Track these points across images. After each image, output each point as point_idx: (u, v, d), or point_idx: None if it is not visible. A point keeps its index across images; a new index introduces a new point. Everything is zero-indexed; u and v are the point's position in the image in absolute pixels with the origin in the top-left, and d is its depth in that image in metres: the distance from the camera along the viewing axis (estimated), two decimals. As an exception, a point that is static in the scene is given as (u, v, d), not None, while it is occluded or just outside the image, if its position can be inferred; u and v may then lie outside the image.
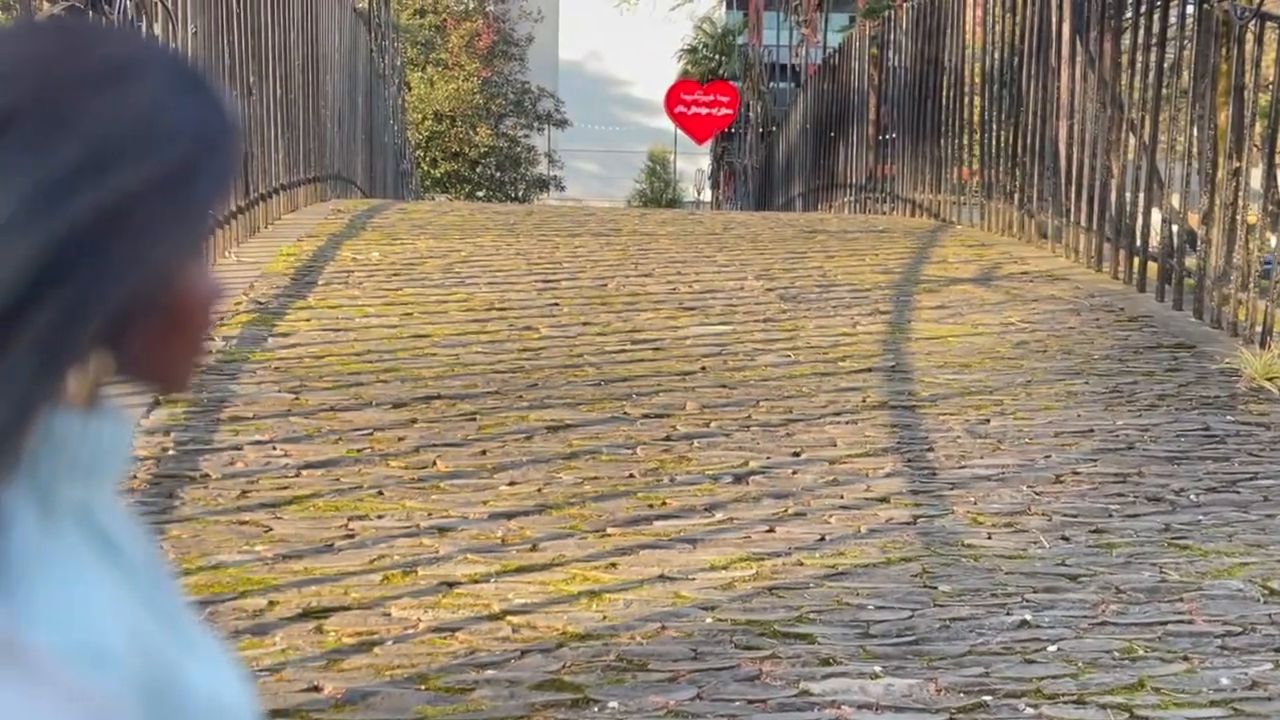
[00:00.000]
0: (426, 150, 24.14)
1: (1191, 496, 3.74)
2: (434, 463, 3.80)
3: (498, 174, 26.09)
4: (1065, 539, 3.41)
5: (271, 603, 2.90)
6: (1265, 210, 5.48)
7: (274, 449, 3.85)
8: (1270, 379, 4.78)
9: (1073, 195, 7.15)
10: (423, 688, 2.56)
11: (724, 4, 27.71)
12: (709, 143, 25.10)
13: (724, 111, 22.73)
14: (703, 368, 4.85)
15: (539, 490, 3.63)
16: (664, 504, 3.58)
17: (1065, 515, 3.58)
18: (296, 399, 4.31)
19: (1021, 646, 2.80)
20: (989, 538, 3.41)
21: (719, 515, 3.51)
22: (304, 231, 7.01)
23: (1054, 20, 7.45)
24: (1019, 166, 7.97)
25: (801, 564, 3.23)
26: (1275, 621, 2.95)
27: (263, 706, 2.49)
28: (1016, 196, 7.94)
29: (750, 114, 22.25)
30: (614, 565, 3.18)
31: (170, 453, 3.77)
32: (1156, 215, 6.61)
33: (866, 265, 6.78)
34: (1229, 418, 4.45)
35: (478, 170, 25.50)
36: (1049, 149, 7.53)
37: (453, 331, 5.18)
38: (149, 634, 0.67)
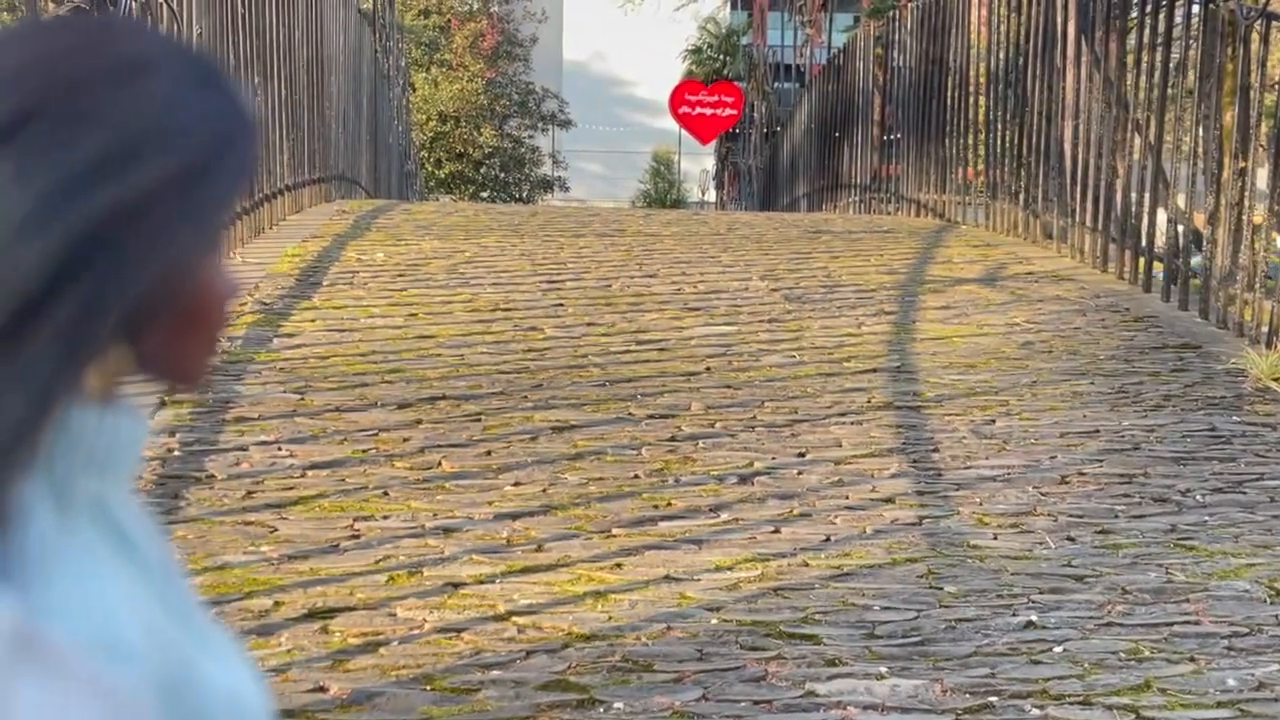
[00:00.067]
0: (431, 151, 24.16)
1: (1198, 497, 3.73)
2: (439, 463, 3.81)
3: (502, 175, 26.11)
4: (1071, 540, 3.41)
5: (277, 603, 2.90)
6: (1271, 210, 5.47)
7: (279, 449, 3.85)
8: (1276, 379, 4.77)
9: (1078, 195, 7.15)
10: (428, 688, 2.56)
11: (728, 4, 27.71)
12: (713, 143, 25.11)
13: (728, 112, 22.73)
14: (708, 368, 4.85)
15: (544, 491, 3.63)
16: (669, 505, 3.58)
17: (1071, 516, 3.57)
18: (302, 399, 4.32)
19: (1027, 647, 2.79)
20: (994, 538, 3.41)
21: (724, 516, 3.50)
22: (309, 232, 7.01)
23: (1059, 20, 7.44)
24: (1024, 167, 7.96)
25: (807, 565, 3.22)
26: (1282, 622, 2.95)
27: (273, 708, 2.50)
28: (1022, 197, 7.93)
29: (754, 114, 22.25)
30: (619, 566, 3.17)
31: (176, 453, 3.77)
32: (1162, 215, 6.60)
33: (871, 266, 6.77)
34: (1235, 418, 4.44)
35: (482, 171, 25.51)
36: (1054, 149, 7.52)
37: (458, 332, 5.18)
38: (165, 629, 0.67)
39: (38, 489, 0.65)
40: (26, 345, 0.62)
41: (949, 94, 9.26)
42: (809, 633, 2.84)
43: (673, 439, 4.08)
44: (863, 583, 3.11)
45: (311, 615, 2.85)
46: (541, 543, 3.29)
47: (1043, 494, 3.73)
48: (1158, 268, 6.31)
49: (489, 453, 3.90)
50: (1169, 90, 6.39)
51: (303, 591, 2.96)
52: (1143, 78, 6.67)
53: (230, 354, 4.73)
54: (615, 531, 3.37)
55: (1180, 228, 6.36)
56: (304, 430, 4.02)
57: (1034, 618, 2.94)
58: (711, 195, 28.33)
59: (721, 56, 27.01)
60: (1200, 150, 6.06)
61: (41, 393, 0.63)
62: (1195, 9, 6.18)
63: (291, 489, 3.57)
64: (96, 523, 0.68)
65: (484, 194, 24.94)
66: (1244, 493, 3.78)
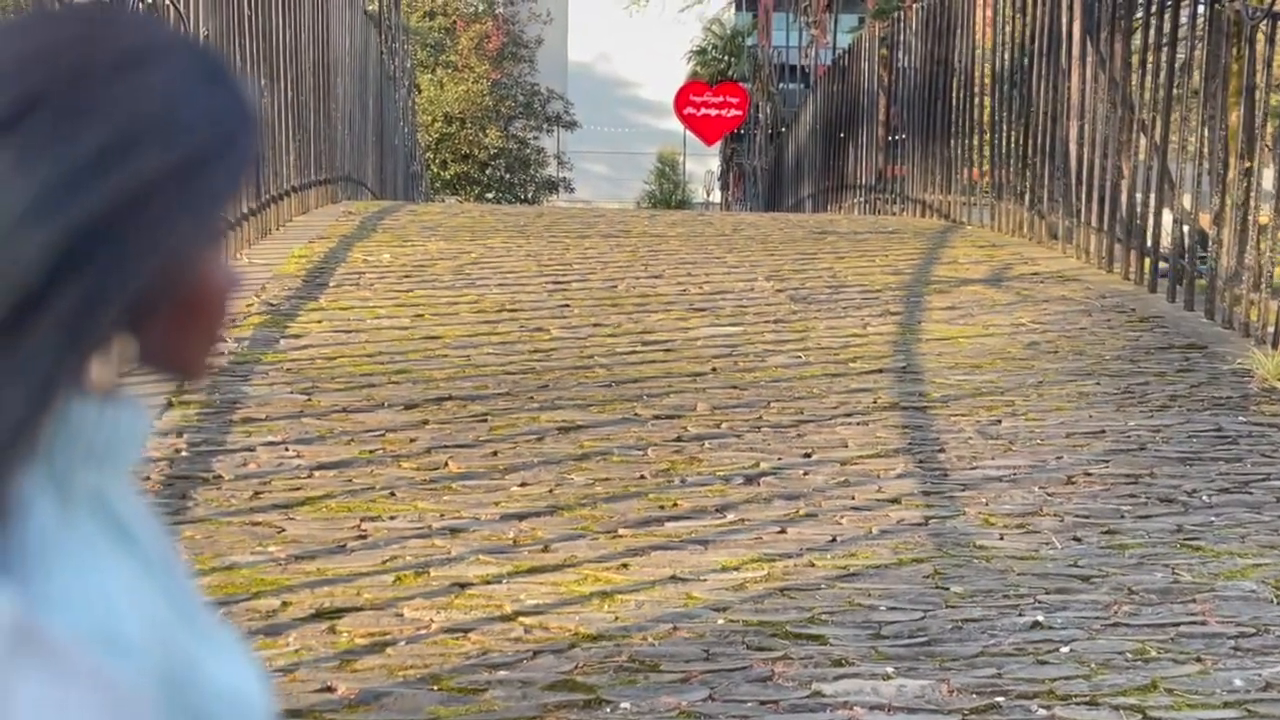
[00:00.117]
0: (436, 152, 24.18)
1: (1204, 497, 3.73)
2: (446, 464, 3.81)
3: (507, 176, 26.12)
4: (1077, 540, 3.41)
5: (284, 603, 2.91)
6: (1277, 210, 5.47)
7: (286, 450, 3.86)
8: (1282, 380, 4.76)
9: (1083, 196, 7.14)
10: (435, 688, 2.57)
11: (733, 5, 27.70)
12: (718, 144, 25.10)
13: (733, 113, 22.73)
14: (713, 369, 4.85)
15: (550, 491, 3.63)
16: (675, 505, 3.58)
17: (1077, 516, 3.57)
18: (309, 400, 4.33)
19: (1034, 647, 2.79)
20: (1001, 539, 3.41)
21: (730, 516, 3.51)
22: (315, 233, 7.03)
23: (1064, 20, 7.44)
24: (1029, 167, 7.95)
25: (813, 565, 3.23)
26: (1288, 622, 2.95)
27: (277, 707, 2.51)
28: (1027, 197, 7.93)
29: (759, 115, 22.25)
30: (626, 566, 3.18)
31: (183, 454, 3.78)
32: (1168, 216, 6.60)
33: (877, 266, 6.78)
34: (1241, 418, 4.44)
35: (487, 172, 25.53)
36: (1059, 149, 7.52)
37: (464, 333, 5.19)
38: (166, 624, 0.67)
39: (38, 482, 0.64)
40: (27, 338, 0.62)
41: (954, 94, 9.26)
42: (815, 633, 2.85)
43: (679, 439, 4.09)
44: (869, 583, 3.11)
45: (319, 615, 2.86)
46: (548, 543, 3.29)
47: (1049, 494, 3.73)
48: (1163, 268, 6.31)
49: (495, 453, 3.91)
50: (1174, 90, 6.38)
51: (310, 592, 2.97)
52: (1148, 78, 6.66)
53: (237, 355, 4.74)
54: (621, 532, 3.38)
55: (1186, 228, 6.35)
56: (311, 431, 4.03)
57: (1040, 618, 2.94)
58: (716, 196, 28.33)
59: (726, 57, 27.00)
60: (1206, 150, 6.05)
61: (42, 386, 0.62)
62: (1200, 9, 6.18)
63: (299, 489, 3.58)
64: (97, 516, 0.67)
65: (489, 195, 24.96)
66: (1250, 493, 3.78)
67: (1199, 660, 2.76)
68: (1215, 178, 5.93)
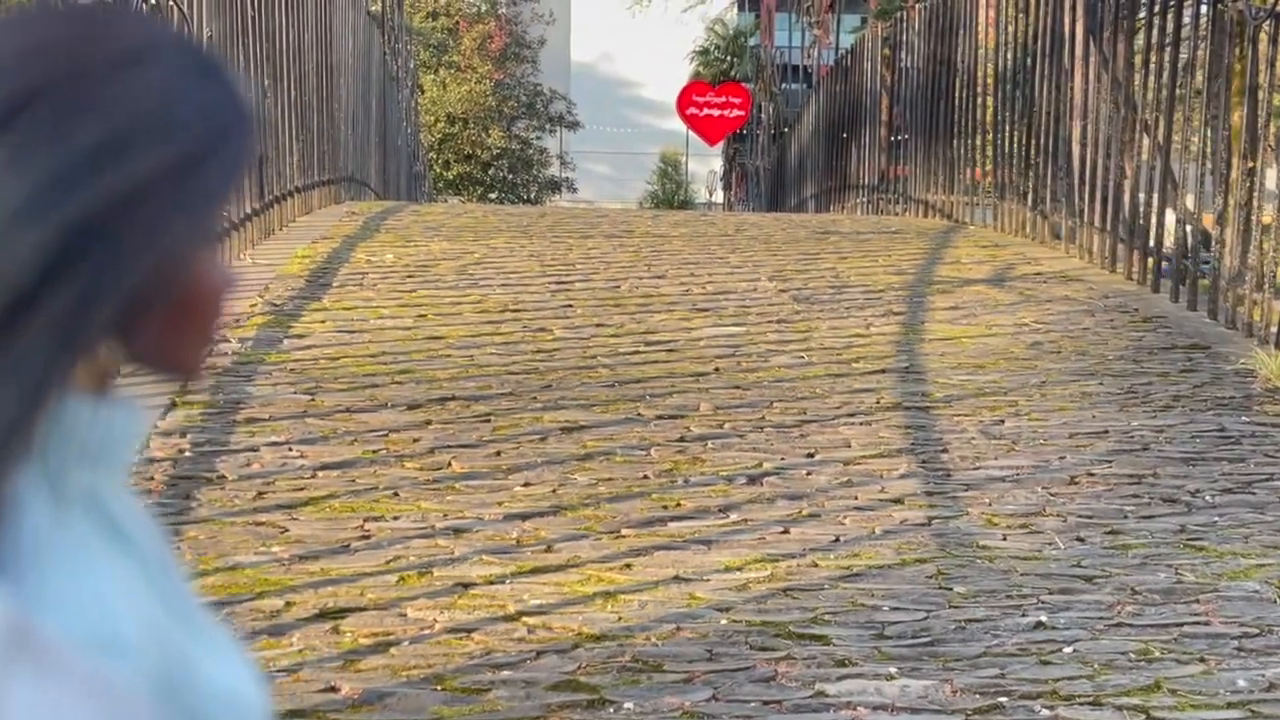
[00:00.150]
0: (439, 152, 24.18)
1: (1207, 498, 3.73)
2: (449, 464, 3.82)
3: (510, 176, 26.13)
4: (1080, 540, 3.41)
5: (288, 603, 2.91)
6: (1280, 211, 5.47)
7: (290, 450, 3.87)
8: (1286, 380, 4.76)
9: (1086, 196, 7.14)
10: (439, 688, 2.57)
11: (736, 5, 27.70)
12: (721, 144, 25.11)
13: (736, 113, 22.73)
14: (716, 369, 4.86)
15: (554, 491, 3.63)
16: (678, 505, 3.58)
17: (1080, 516, 3.57)
18: (312, 400, 4.33)
19: (1037, 648, 2.80)
20: (1004, 539, 3.41)
21: (733, 516, 3.51)
22: (319, 234, 7.03)
23: (1067, 21, 7.43)
24: (1032, 167, 7.95)
25: (816, 565, 3.23)
26: (1292, 623, 2.95)
27: (280, 707, 2.51)
28: (1030, 197, 7.93)
29: (762, 115, 22.25)
30: (629, 566, 3.18)
31: (187, 454, 3.79)
32: (1171, 216, 6.59)
33: (880, 266, 6.78)
34: (1244, 419, 4.44)
35: (490, 172, 25.54)
36: (1062, 150, 7.52)
37: (467, 333, 5.20)
38: (161, 624, 0.67)
39: (32, 482, 0.64)
40: (20, 337, 0.61)
41: (957, 95, 9.26)
42: (818, 633, 2.85)
43: (682, 439, 4.09)
44: (872, 583, 3.12)
45: (322, 615, 2.86)
46: (551, 543, 3.30)
47: (1052, 494, 3.73)
48: (1165, 266, 6.30)
49: (498, 453, 3.91)
50: (1177, 90, 6.38)
51: (314, 592, 2.97)
52: (1151, 78, 6.66)
53: (241, 355, 4.74)
54: (625, 532, 3.38)
55: (1189, 228, 6.35)
56: (314, 431, 4.03)
57: (1044, 618, 2.94)
58: (719, 196, 28.33)
59: (729, 58, 27.00)
60: (1208, 150, 6.05)
61: (35, 385, 0.62)
62: (1203, 9, 6.18)
63: (302, 489, 3.58)
64: (91, 516, 0.67)
65: (492, 195, 24.96)
66: (1253, 493, 3.78)
67: (1202, 660, 2.76)
68: (1218, 178, 5.93)
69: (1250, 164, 5.73)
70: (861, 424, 4.29)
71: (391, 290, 5.82)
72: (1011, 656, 2.75)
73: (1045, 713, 2.53)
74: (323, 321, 5.26)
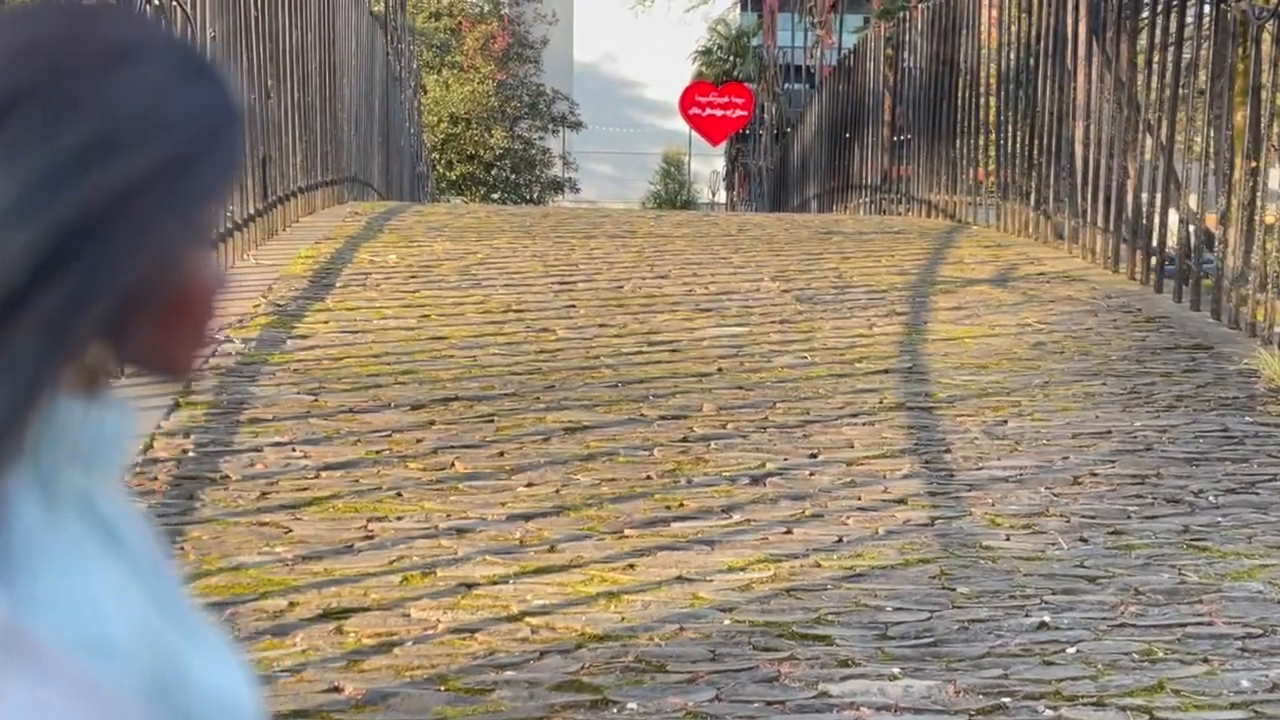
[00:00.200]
0: (442, 153, 24.19)
1: (1210, 498, 3.73)
2: (452, 464, 3.82)
3: (513, 176, 26.13)
4: (1084, 540, 3.41)
5: (292, 604, 2.92)
6: (1283, 211, 5.47)
7: (293, 450, 3.87)
8: (1289, 380, 4.76)
9: (1089, 196, 7.14)
10: (442, 688, 2.57)
11: (739, 5, 27.70)
12: (723, 144, 25.11)
13: (739, 113, 22.73)
14: (719, 369, 4.86)
15: (557, 492, 3.64)
16: (681, 505, 3.58)
17: (1083, 517, 3.57)
18: (315, 401, 4.33)
19: (1040, 648, 2.79)
20: (1007, 539, 3.41)
21: (736, 517, 3.51)
22: (322, 234, 7.04)
23: (1070, 21, 7.43)
24: (1035, 167, 7.95)
25: (819, 565, 3.23)
26: (1295, 623, 2.94)
27: (284, 707, 2.52)
28: (1033, 197, 7.93)
29: (765, 115, 22.24)
30: (632, 566, 3.18)
31: (190, 454, 3.79)
32: (1174, 216, 6.59)
33: (882, 266, 6.78)
34: (1248, 419, 4.44)
35: (493, 173, 25.54)
36: (1065, 150, 7.52)
37: (470, 333, 5.20)
38: (153, 625, 0.66)
39: (23, 484, 0.64)
40: (11, 337, 0.61)
41: (960, 95, 9.26)
42: (822, 633, 2.85)
43: (684, 440, 4.09)
44: (875, 583, 3.12)
45: (326, 616, 2.87)
46: (554, 543, 3.30)
47: (1055, 495, 3.73)
48: (1169, 267, 6.30)
49: (502, 454, 3.91)
50: (1180, 90, 6.38)
51: (317, 592, 2.98)
52: (1154, 78, 6.66)
53: (244, 355, 4.75)
54: (628, 532, 3.38)
55: (1192, 228, 6.35)
56: (318, 431, 4.04)
57: (1047, 618, 2.94)
58: (722, 196, 28.33)
59: (732, 58, 27.00)
60: (1211, 150, 6.05)
61: (26, 386, 0.61)
62: (1206, 9, 6.17)
63: (306, 490, 3.59)
64: (83, 518, 0.67)
65: (495, 195, 24.97)
66: (1257, 493, 3.78)
67: (1206, 661, 2.76)
68: (1221, 178, 5.93)
69: (1253, 164, 5.73)
70: (864, 424, 4.29)
71: (395, 290, 5.82)
72: (1015, 657, 2.75)
73: (1049, 713, 2.53)
74: (326, 322, 5.26)
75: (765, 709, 2.53)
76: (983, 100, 8.95)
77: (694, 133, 23.97)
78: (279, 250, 6.55)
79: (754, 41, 25.80)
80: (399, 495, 3.58)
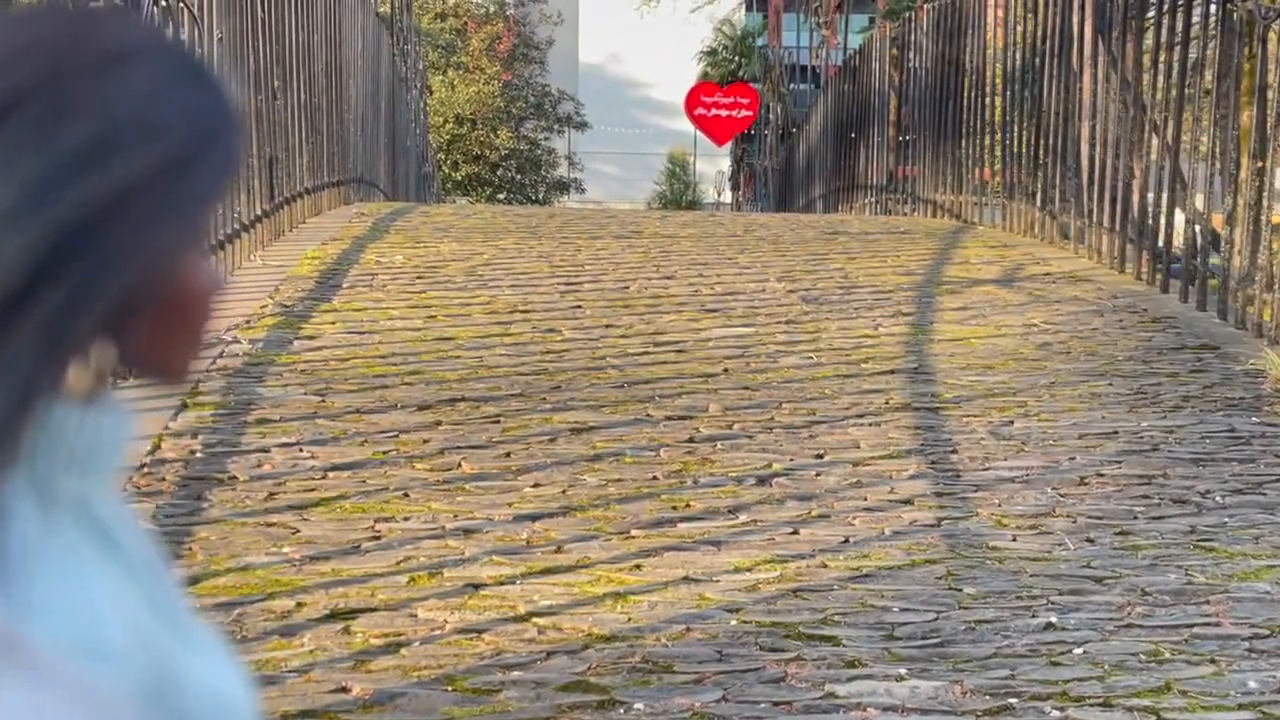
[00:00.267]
0: (448, 153, 24.21)
1: (1217, 498, 3.72)
2: (459, 465, 3.83)
3: (518, 176, 26.15)
4: (1090, 541, 3.41)
5: (299, 604, 2.92)
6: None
7: (301, 451, 3.88)
8: (1296, 380, 4.75)
9: (1095, 196, 7.13)
10: (450, 689, 2.58)
11: (744, 6, 27.70)
12: (729, 144, 25.11)
13: (744, 113, 22.73)
14: (725, 370, 4.86)
15: (563, 492, 3.64)
16: (688, 506, 3.59)
17: (1090, 517, 3.57)
18: (322, 401, 4.34)
19: (1047, 649, 2.80)
20: (1014, 540, 3.41)
21: (743, 517, 3.51)
22: (328, 235, 7.05)
23: (1076, 20, 7.43)
24: (1041, 167, 7.95)
25: (825, 566, 3.23)
26: (1302, 624, 2.94)
27: (292, 707, 2.52)
28: (1038, 197, 7.92)
29: (770, 116, 22.24)
30: (638, 567, 3.19)
31: (198, 455, 3.80)
32: (1180, 216, 6.58)
33: (888, 267, 6.77)
34: (1254, 419, 4.43)
35: (498, 173, 25.56)
36: (1071, 150, 7.51)
37: (476, 334, 5.21)
38: (150, 629, 0.66)
39: (19, 488, 0.64)
40: (7, 340, 0.61)
41: (965, 95, 9.25)
42: (828, 634, 2.85)
43: (691, 440, 4.09)
44: (882, 584, 3.12)
45: (333, 616, 2.87)
46: (561, 544, 3.30)
47: (1061, 495, 3.72)
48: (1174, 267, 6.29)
49: (508, 454, 3.92)
50: (1186, 90, 6.37)
51: (325, 592, 2.98)
52: (1160, 78, 6.65)
53: (251, 356, 4.76)
54: (634, 533, 3.39)
55: (1198, 228, 6.34)
56: (325, 432, 4.05)
57: (1054, 619, 2.94)
58: (727, 197, 28.33)
59: (737, 58, 27.00)
60: (1218, 150, 6.04)
61: (22, 390, 0.61)
62: (1212, 8, 6.17)
63: (313, 490, 3.60)
64: (80, 522, 0.66)
65: (500, 196, 24.99)
66: (1264, 494, 3.77)
67: (1213, 662, 2.76)
68: (1227, 177, 5.92)
69: (1260, 164, 5.72)
70: (871, 425, 4.29)
71: (401, 291, 5.83)
72: (1021, 657, 2.75)
73: (1055, 714, 2.53)
74: (333, 323, 5.27)
75: (772, 709, 2.53)
76: (988, 100, 8.94)
77: (699, 133, 23.97)
78: (286, 251, 6.56)
79: (759, 42, 25.80)
80: (406, 496, 3.59)
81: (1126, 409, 4.51)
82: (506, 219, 8.40)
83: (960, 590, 3.08)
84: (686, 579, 3.12)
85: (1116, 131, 6.98)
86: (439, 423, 4.17)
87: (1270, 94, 5.75)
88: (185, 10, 5.50)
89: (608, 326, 5.38)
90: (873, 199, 12.06)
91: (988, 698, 2.58)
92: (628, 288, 6.06)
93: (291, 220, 7.18)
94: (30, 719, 0.56)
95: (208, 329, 0.69)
